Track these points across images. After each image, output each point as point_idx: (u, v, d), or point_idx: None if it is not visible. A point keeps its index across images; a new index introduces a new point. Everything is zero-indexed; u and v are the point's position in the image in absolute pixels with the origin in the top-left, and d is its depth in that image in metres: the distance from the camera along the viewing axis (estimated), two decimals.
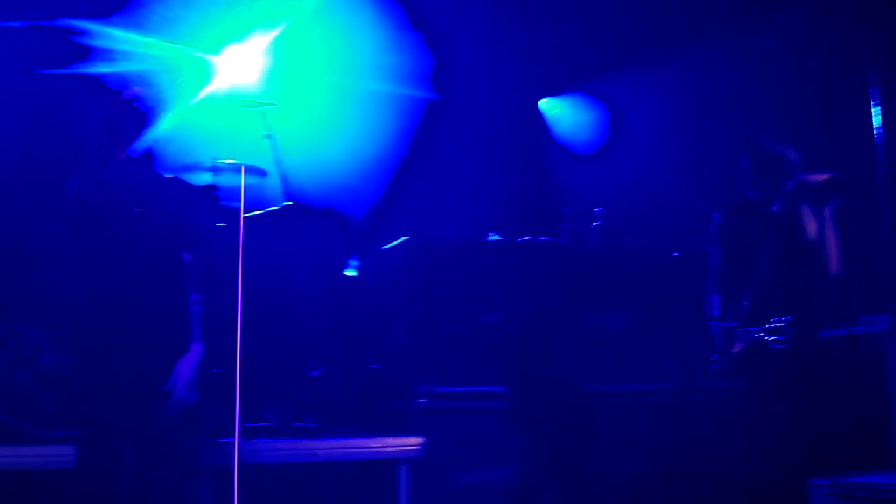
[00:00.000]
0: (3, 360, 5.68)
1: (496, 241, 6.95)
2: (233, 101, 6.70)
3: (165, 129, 4.85)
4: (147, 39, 6.80)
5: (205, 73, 6.98)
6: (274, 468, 5.86)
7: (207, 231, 5.13)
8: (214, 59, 7.08)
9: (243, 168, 5.70)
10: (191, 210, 4.92)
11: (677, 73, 8.28)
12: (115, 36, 6.68)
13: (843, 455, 5.09)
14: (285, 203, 6.19)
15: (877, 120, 6.06)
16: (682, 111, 8.25)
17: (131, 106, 4.67)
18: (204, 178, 6.20)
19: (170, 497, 4.60)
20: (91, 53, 6.66)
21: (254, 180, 6.18)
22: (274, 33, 7.41)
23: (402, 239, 6.74)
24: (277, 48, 7.53)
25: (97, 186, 4.58)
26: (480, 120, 8.82)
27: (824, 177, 5.11)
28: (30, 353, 5.73)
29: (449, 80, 8.47)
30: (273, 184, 6.14)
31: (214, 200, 6.23)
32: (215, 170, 6.13)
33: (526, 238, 7.00)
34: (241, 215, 5.29)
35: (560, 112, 9.59)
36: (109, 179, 4.61)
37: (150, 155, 4.81)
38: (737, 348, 5.27)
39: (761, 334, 5.06)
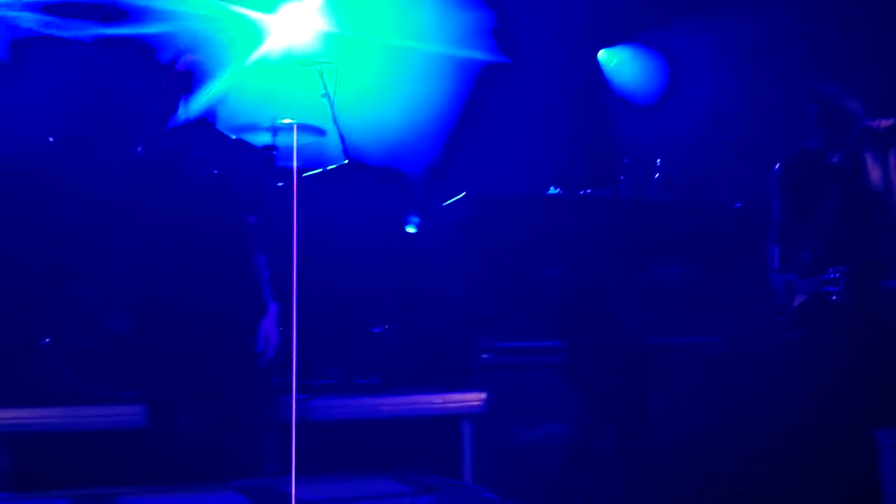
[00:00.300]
0: (69, 323, 5.77)
1: (556, 195, 6.91)
2: (289, 61, 6.70)
3: (221, 90, 4.86)
4: (202, 0, 6.81)
5: (259, 34, 6.97)
6: (338, 425, 5.91)
7: (270, 192, 5.14)
8: (269, 19, 7.07)
9: (296, 127, 5.72)
10: (253, 171, 4.94)
11: (737, 20, 8.13)
12: None
13: None
14: (344, 161, 6.19)
15: None
16: (742, 59, 8.12)
17: (189, 69, 4.68)
18: (263, 139, 6.22)
19: (235, 454, 4.67)
20: (142, 14, 6.68)
21: (312, 139, 6.20)
22: None
23: (461, 195, 6.73)
24: (333, 7, 7.50)
25: (161, 152, 4.61)
26: (538, 74, 8.75)
27: (888, 122, 5.01)
28: (94, 316, 5.81)
29: (506, 36, 8.40)
30: (332, 143, 6.14)
31: (273, 161, 6.26)
32: (274, 130, 6.16)
33: (586, 191, 6.96)
34: (295, 174, 5.31)
35: (618, 63, 9.48)
36: (173, 144, 4.64)
37: (208, 118, 4.83)
38: (798, 301, 5.21)
39: (820, 286, 5.00)
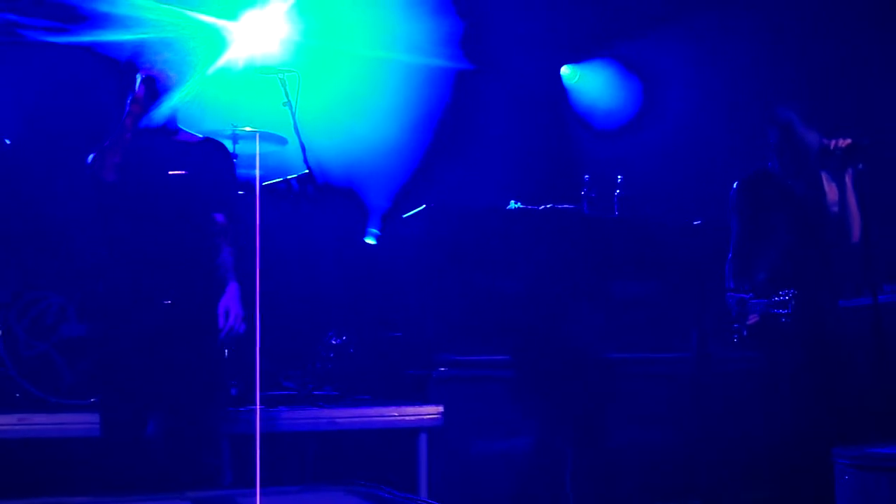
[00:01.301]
0: (26, 327, 5.71)
1: (517, 208, 6.92)
2: (251, 69, 6.67)
3: (184, 97, 4.83)
4: (164, 6, 6.76)
5: (223, 42, 6.93)
6: (294, 436, 5.88)
7: (236, 190, 5.10)
8: (232, 26, 7.03)
9: (258, 136, 5.70)
10: (219, 170, 4.90)
11: (703, 39, 8.19)
12: (130, 3, 6.64)
13: (867, 426, 5.07)
14: (304, 171, 6.16)
15: None
16: (708, 77, 8.17)
17: (152, 76, 4.65)
18: None
19: (193, 465, 4.62)
20: (104, 21, 6.63)
21: (273, 148, 6.17)
22: None
23: (421, 207, 6.72)
24: (298, 15, 7.47)
25: (124, 156, 4.56)
26: (503, 88, 8.78)
27: (846, 142, 5.05)
28: (52, 321, 5.75)
29: (472, 47, 8.40)
30: (293, 152, 6.11)
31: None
32: (235, 138, 6.13)
33: (547, 206, 6.97)
34: (258, 182, 5.29)
35: (582, 79, 9.53)
36: (138, 148, 4.60)
37: (171, 125, 4.80)
38: (751, 320, 5.23)
39: (770, 307, 5.04)
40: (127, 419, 4.53)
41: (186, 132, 4.88)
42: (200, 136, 4.96)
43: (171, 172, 4.62)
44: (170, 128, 4.78)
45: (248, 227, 5.26)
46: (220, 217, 4.76)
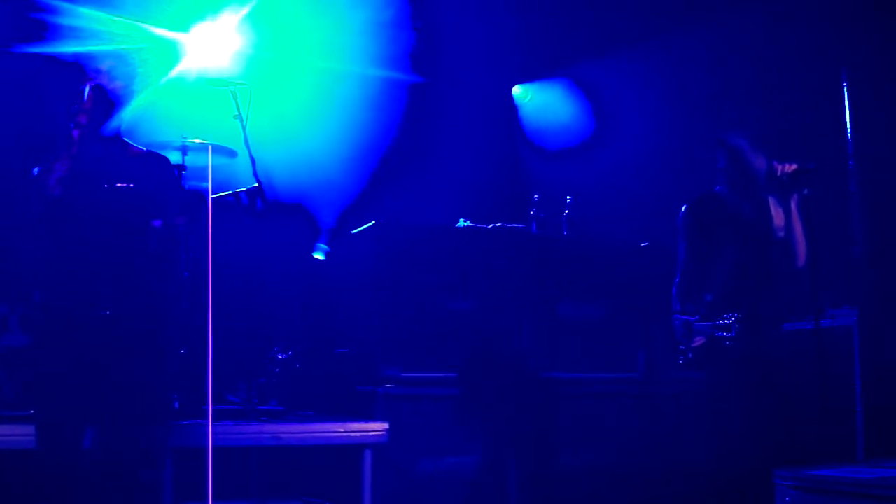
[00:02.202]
0: None
1: (466, 226, 6.93)
2: (202, 81, 6.63)
3: (135, 109, 4.79)
4: (115, 18, 6.71)
5: (174, 53, 6.89)
6: (238, 451, 5.83)
7: (177, 197, 5.05)
8: (184, 38, 6.99)
9: (210, 148, 5.66)
10: (160, 179, 4.85)
11: (652, 63, 8.27)
12: (81, 14, 6.59)
13: (809, 448, 5.12)
14: (253, 184, 6.13)
15: (847, 113, 6.10)
16: (656, 101, 8.25)
17: (101, 86, 4.61)
18: (172, 158, 6.14)
19: (130, 479, 4.56)
20: (56, 32, 6.57)
21: (223, 161, 6.13)
22: (245, 11, 7.33)
23: (370, 223, 6.70)
24: (250, 27, 7.45)
25: (69, 169, 4.51)
26: (455, 105, 8.79)
27: (792, 167, 5.11)
28: None
29: (425, 62, 8.41)
30: (243, 165, 6.08)
31: (181, 180, 6.19)
32: (184, 149, 6.08)
33: (496, 224, 6.99)
34: (210, 195, 5.24)
35: (533, 99, 9.57)
36: (82, 159, 4.55)
37: (121, 135, 4.76)
38: (696, 342, 5.27)
39: (714, 330, 5.08)
40: (61, 432, 4.47)
41: (130, 144, 4.84)
42: (144, 148, 4.92)
43: (114, 185, 4.57)
44: (114, 140, 4.73)
45: (198, 239, 5.24)
46: (157, 223, 4.70)
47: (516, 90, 9.58)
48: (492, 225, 6.98)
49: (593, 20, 8.32)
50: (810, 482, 4.14)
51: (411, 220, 7.12)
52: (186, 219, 4.80)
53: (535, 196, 7.46)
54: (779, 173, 5.16)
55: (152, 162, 4.89)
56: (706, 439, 5.38)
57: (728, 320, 5.05)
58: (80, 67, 4.67)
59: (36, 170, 4.53)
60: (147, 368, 4.62)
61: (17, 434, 5.06)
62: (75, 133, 4.55)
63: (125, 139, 4.82)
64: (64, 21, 6.55)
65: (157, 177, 4.83)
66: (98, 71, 4.69)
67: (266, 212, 6.30)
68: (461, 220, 6.98)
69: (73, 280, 4.51)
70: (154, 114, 6.44)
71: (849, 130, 6.46)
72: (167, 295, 4.75)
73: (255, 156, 5.82)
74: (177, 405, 5.80)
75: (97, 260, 4.52)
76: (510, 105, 9.57)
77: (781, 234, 5.25)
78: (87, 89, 4.60)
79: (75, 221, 4.52)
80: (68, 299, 4.50)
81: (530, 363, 6.70)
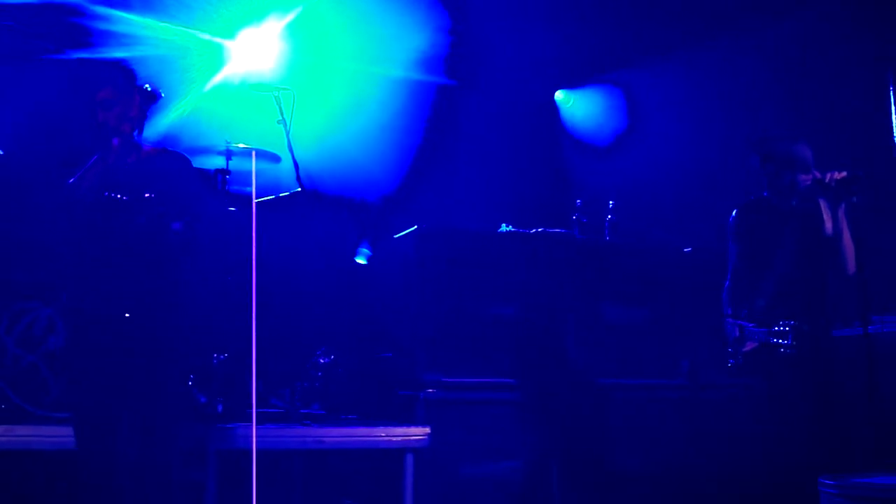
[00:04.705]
0: (14, 338, 5.69)
1: (508, 231, 6.92)
2: (247, 86, 6.68)
3: (180, 113, 4.82)
4: (161, 23, 6.78)
5: (219, 58, 6.95)
6: (280, 454, 5.86)
7: (198, 197, 5.04)
8: (229, 44, 7.05)
9: (254, 153, 5.70)
10: (181, 179, 4.84)
11: (696, 67, 8.23)
12: (129, 20, 6.66)
13: (856, 455, 5.07)
14: (297, 189, 6.17)
15: (894, 117, 6.04)
16: (700, 106, 8.20)
17: (150, 92, 4.63)
18: (217, 163, 6.19)
19: (166, 480, 4.59)
20: (105, 38, 6.63)
21: (267, 166, 6.17)
22: (289, 18, 7.38)
23: (412, 228, 6.72)
24: (293, 33, 7.49)
25: (103, 175, 4.53)
26: (497, 109, 8.80)
27: (841, 175, 5.07)
28: (41, 332, 5.73)
29: (468, 67, 8.43)
30: (286, 170, 6.12)
31: (226, 185, 6.23)
32: (228, 154, 6.13)
33: (538, 230, 6.98)
34: (254, 200, 5.27)
35: (576, 104, 9.55)
36: (117, 166, 4.57)
37: (166, 141, 4.79)
38: (748, 347, 5.25)
39: (769, 337, 5.05)
40: (97, 433, 4.49)
41: (152, 146, 4.82)
42: (162, 148, 4.90)
43: (142, 194, 4.57)
44: (141, 145, 4.75)
45: (240, 244, 5.26)
46: (176, 225, 4.69)
47: (558, 95, 9.57)
48: (534, 230, 6.97)
49: (636, 26, 8.29)
50: (855, 489, 4.11)
51: (453, 224, 7.12)
52: (186, 223, 4.75)
53: (578, 201, 7.45)
54: (827, 180, 5.12)
55: (175, 164, 4.88)
56: (754, 445, 5.34)
57: (784, 327, 5.02)
58: (126, 73, 4.69)
59: (73, 179, 4.54)
60: (168, 369, 4.63)
61: (63, 435, 5.11)
62: (115, 141, 4.57)
63: (147, 142, 4.81)
64: (112, 27, 6.62)
65: (180, 180, 4.82)
66: (144, 77, 4.71)
67: (309, 216, 6.35)
68: (503, 225, 6.97)
69: (98, 284, 4.53)
70: (199, 119, 6.51)
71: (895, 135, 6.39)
72: (186, 296, 4.75)
73: (298, 160, 5.86)
74: (220, 408, 5.84)
75: (121, 264, 4.54)
76: (552, 110, 9.56)
77: (831, 240, 5.21)
78: (136, 96, 4.62)
79: (102, 228, 4.54)
80: (92, 302, 4.53)
81: (574, 368, 6.68)
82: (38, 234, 5.92)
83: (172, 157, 4.89)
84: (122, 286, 4.53)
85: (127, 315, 4.50)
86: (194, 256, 4.81)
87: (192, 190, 4.90)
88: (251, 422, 4.93)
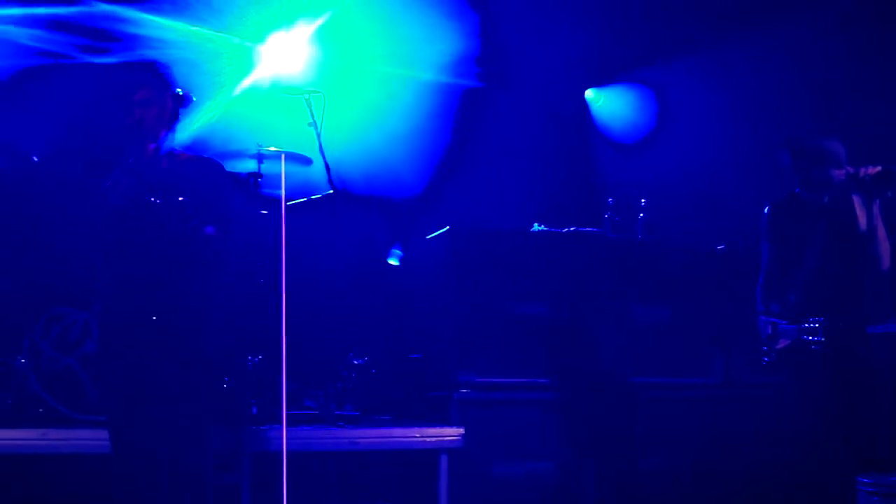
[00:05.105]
0: (51, 342, 5.74)
1: (540, 231, 6.91)
2: (277, 89, 6.71)
3: (211, 117, 4.83)
4: (192, 28, 6.81)
5: (249, 62, 6.98)
6: (314, 455, 5.88)
7: (231, 201, 5.04)
8: (259, 48, 7.08)
9: (283, 156, 5.72)
10: (213, 184, 4.83)
11: (727, 64, 8.18)
12: (160, 24, 6.70)
13: (893, 453, 5.03)
14: (329, 191, 6.19)
15: None
16: (731, 104, 8.16)
17: (181, 97, 4.64)
18: (248, 166, 6.22)
19: (205, 483, 4.61)
20: (135, 42, 6.67)
21: (298, 168, 6.19)
22: (319, 21, 7.40)
23: (444, 228, 6.72)
24: (323, 37, 7.51)
25: (138, 180, 4.55)
26: (527, 109, 8.78)
27: (875, 170, 5.03)
28: (77, 336, 5.78)
29: (496, 69, 8.42)
30: (317, 172, 6.14)
31: (258, 188, 6.25)
32: (259, 157, 6.15)
33: (570, 229, 6.96)
34: (283, 203, 5.29)
35: (606, 102, 9.53)
36: (150, 170, 4.59)
37: (196, 145, 4.80)
38: (781, 344, 5.22)
39: (801, 333, 5.02)
40: (130, 436, 4.51)
41: (184, 152, 4.83)
42: (195, 154, 4.91)
43: (176, 198, 4.56)
44: (173, 149, 4.76)
45: (273, 247, 5.28)
46: (210, 229, 4.68)
47: (588, 94, 9.54)
48: (566, 229, 6.96)
49: (666, 24, 8.26)
50: (893, 488, 4.08)
51: (485, 224, 7.12)
52: (219, 227, 4.74)
53: (610, 200, 7.42)
54: (861, 175, 5.08)
55: (207, 169, 4.88)
56: (787, 443, 5.31)
57: (814, 324, 4.99)
58: (159, 76, 4.71)
59: (108, 183, 4.57)
60: (200, 372, 4.64)
61: (99, 438, 5.14)
62: (151, 146, 4.60)
63: (181, 147, 4.82)
64: (144, 32, 6.66)
65: (213, 185, 4.82)
66: (175, 81, 4.73)
67: (341, 218, 6.37)
68: (535, 224, 6.96)
69: (129, 288, 4.55)
70: (229, 122, 6.53)
71: None
72: (218, 299, 4.76)
73: (329, 163, 5.88)
74: (255, 410, 5.86)
75: (152, 268, 4.55)
76: (582, 109, 9.53)
77: (866, 235, 5.16)
78: (168, 100, 4.64)
79: (135, 232, 4.55)
80: (124, 307, 4.55)
81: (608, 368, 6.67)
82: (73, 239, 5.97)
83: (205, 163, 4.89)
84: (153, 289, 4.55)
85: (154, 318, 4.52)
86: (227, 260, 4.83)
87: (225, 195, 4.90)
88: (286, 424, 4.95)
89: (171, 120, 4.65)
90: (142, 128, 4.60)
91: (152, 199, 4.48)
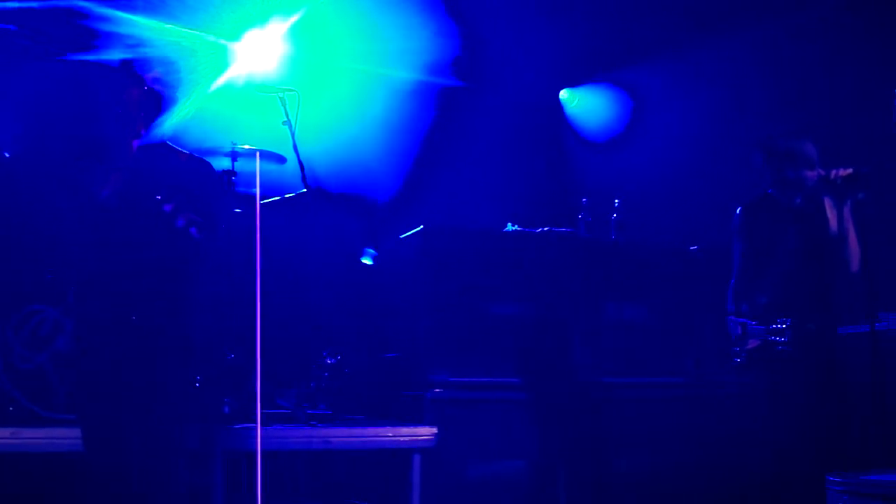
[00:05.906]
0: (22, 340, 5.69)
1: (513, 231, 6.92)
2: (252, 87, 6.69)
3: (184, 115, 4.81)
4: (166, 25, 6.78)
5: (223, 60, 6.95)
6: (287, 455, 5.86)
7: (219, 205, 5.02)
8: (233, 46, 7.05)
9: (258, 154, 5.70)
10: (203, 184, 4.81)
11: (700, 65, 8.23)
12: (134, 22, 6.66)
13: (862, 452, 5.07)
14: (302, 190, 6.18)
15: None
16: (705, 104, 8.19)
17: (153, 92, 4.63)
18: (223, 164, 6.19)
19: (177, 482, 4.59)
20: (108, 39, 6.63)
21: (272, 166, 6.18)
22: (294, 19, 7.38)
23: (418, 228, 6.72)
24: (297, 34, 7.49)
25: (126, 179, 4.53)
26: (501, 109, 8.79)
27: (846, 171, 5.07)
28: (47, 333, 5.74)
29: (472, 68, 8.43)
30: (291, 171, 6.13)
31: (232, 186, 6.23)
32: (234, 155, 6.13)
33: (543, 229, 6.98)
34: (258, 201, 5.28)
35: (581, 103, 9.55)
36: (139, 169, 4.57)
37: (169, 141, 4.78)
38: (751, 345, 5.25)
39: (768, 334, 5.06)
40: (102, 435, 4.49)
41: (175, 149, 4.82)
42: (187, 152, 4.89)
43: (157, 196, 4.54)
44: (161, 146, 4.74)
45: (247, 245, 5.26)
46: (195, 230, 4.65)
47: (563, 94, 9.56)
48: (540, 229, 6.97)
49: (640, 25, 8.29)
50: (862, 487, 4.10)
51: (459, 224, 7.12)
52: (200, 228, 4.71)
53: (584, 200, 7.45)
54: (833, 177, 5.11)
55: (198, 168, 4.86)
56: (757, 443, 5.35)
57: (781, 325, 5.03)
58: (134, 74, 4.69)
59: (93, 179, 4.54)
60: (173, 371, 4.62)
61: (71, 437, 5.11)
62: (135, 143, 4.59)
63: (170, 144, 4.80)
64: (118, 29, 6.62)
65: (199, 184, 4.79)
66: (151, 78, 4.70)
67: (315, 216, 6.35)
68: (509, 224, 6.97)
69: (109, 286, 4.53)
70: (203, 120, 6.50)
71: None
72: (194, 298, 4.74)
73: (303, 161, 5.86)
74: (227, 409, 5.84)
75: (133, 267, 4.53)
76: (557, 109, 9.55)
77: (836, 236, 5.20)
78: (145, 97, 4.61)
79: (121, 230, 4.52)
80: (102, 304, 4.52)
81: (580, 367, 6.69)
82: (46, 236, 5.93)
83: (197, 162, 4.88)
84: (133, 288, 4.52)
85: (133, 318, 4.50)
86: (207, 261, 4.80)
87: (212, 195, 4.88)
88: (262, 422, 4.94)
89: (148, 117, 4.63)
90: (121, 125, 4.58)
91: (139, 199, 4.46)
